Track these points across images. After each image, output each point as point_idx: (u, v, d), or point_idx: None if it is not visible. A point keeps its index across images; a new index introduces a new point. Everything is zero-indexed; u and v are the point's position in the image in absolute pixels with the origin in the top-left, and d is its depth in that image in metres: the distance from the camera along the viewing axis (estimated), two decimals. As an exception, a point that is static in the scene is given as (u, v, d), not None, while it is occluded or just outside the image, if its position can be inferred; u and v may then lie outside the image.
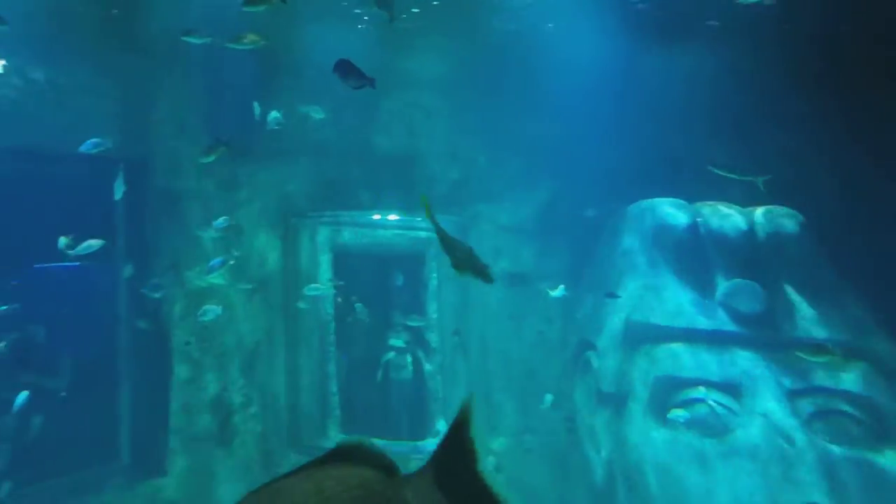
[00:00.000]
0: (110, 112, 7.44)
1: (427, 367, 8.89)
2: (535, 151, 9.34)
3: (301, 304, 7.59)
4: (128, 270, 7.21)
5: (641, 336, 8.51)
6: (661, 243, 8.72)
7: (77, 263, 6.87)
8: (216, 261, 7.00)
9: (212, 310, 7.28)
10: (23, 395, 6.97)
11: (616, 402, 8.72)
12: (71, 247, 6.53)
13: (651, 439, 8.24)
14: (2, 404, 7.09)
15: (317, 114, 7.00)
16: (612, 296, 8.05)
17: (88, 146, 6.46)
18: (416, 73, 8.90)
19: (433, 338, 8.92)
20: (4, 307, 6.95)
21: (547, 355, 9.22)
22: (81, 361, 8.09)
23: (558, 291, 7.99)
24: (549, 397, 8.26)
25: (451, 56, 8.74)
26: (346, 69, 5.12)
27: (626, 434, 8.53)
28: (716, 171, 6.91)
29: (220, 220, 7.28)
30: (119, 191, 6.86)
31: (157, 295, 7.05)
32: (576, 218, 9.39)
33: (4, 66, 6.86)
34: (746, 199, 8.02)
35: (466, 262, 3.66)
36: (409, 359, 8.80)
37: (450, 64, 8.79)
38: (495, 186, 9.36)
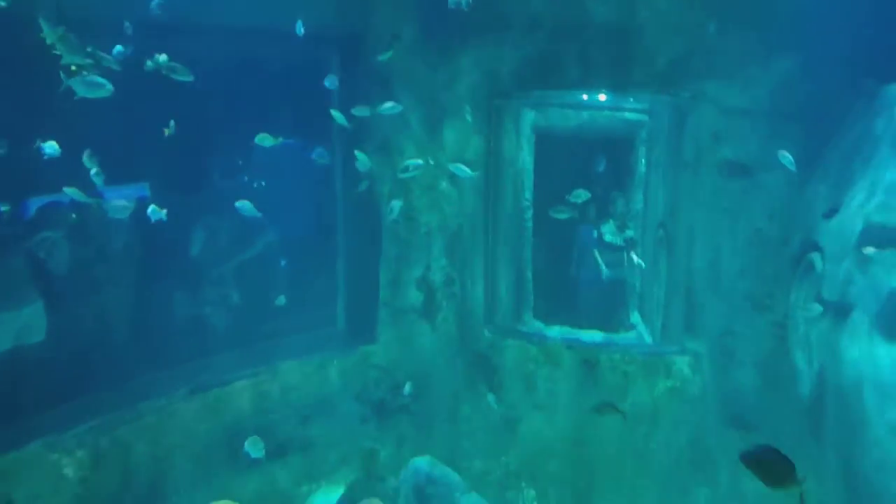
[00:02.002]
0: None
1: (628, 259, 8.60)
2: (776, 20, 8.01)
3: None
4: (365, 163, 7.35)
5: (881, 240, 7.47)
6: (926, 131, 7.42)
7: (297, 141, 7.24)
8: (412, 162, 7.05)
9: (396, 205, 7.48)
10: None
11: (838, 311, 7.94)
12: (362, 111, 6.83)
13: (875, 357, 7.48)
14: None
15: None
16: (832, 214, 7.02)
17: (299, 27, 6.62)
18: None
19: (636, 229, 8.52)
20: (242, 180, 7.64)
21: (762, 255, 8.45)
22: (303, 234, 8.87)
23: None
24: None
25: None
26: None
27: (846, 348, 7.82)
28: None
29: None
30: (332, 82, 7.02)
31: (324, 162, 7.30)
32: (818, 98, 8.11)
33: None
34: None
35: None
36: (624, 256, 8.51)
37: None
38: (724, 62, 8.20)
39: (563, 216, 7.80)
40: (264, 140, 6.78)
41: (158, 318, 7.87)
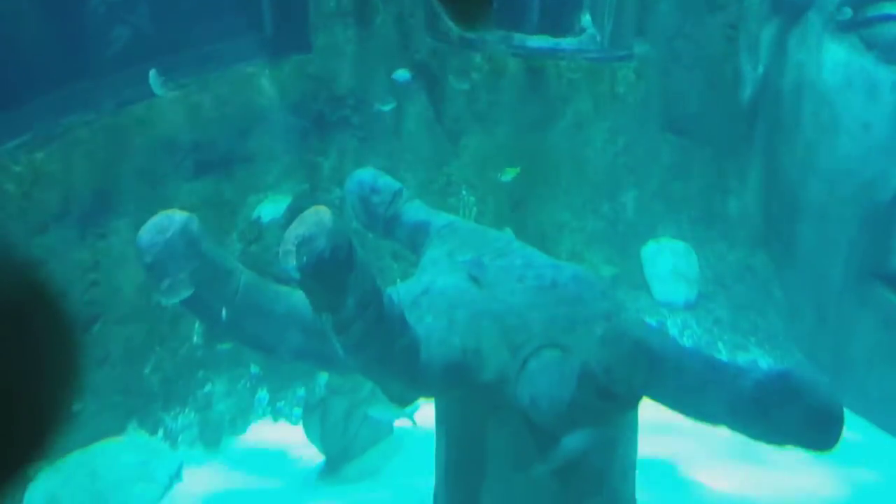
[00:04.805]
0: None
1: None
2: None
3: None
4: None
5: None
6: None
7: None
8: None
9: None
10: None
11: (793, 11, 7.67)
12: None
13: (821, 58, 7.44)
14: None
15: None
16: None
17: None
18: None
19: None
20: None
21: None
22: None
23: None
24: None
25: None
26: None
27: (794, 49, 7.73)
28: None
29: None
30: None
31: None
32: None
33: None
34: None
35: None
36: None
37: None
38: None
39: None
40: None
41: (68, 28, 7.10)
